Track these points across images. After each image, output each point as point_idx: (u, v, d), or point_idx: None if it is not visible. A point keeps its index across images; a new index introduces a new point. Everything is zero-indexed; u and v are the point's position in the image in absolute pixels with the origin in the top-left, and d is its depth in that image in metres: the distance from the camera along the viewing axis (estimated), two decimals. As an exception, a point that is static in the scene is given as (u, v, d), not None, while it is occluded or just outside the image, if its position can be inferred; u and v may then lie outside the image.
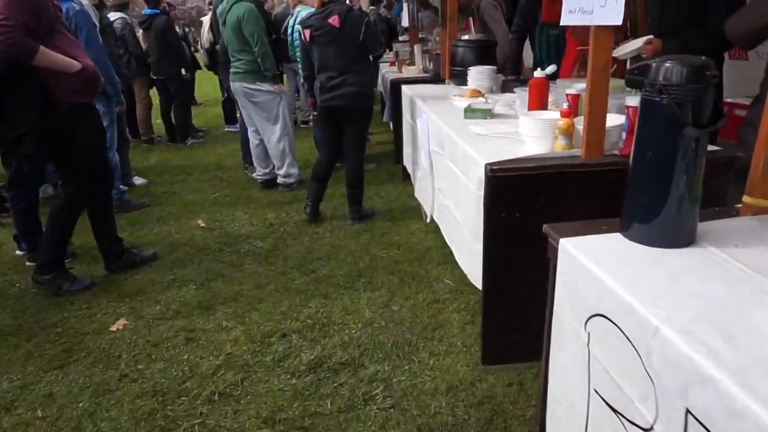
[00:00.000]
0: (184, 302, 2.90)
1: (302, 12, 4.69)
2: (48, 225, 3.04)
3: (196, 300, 2.92)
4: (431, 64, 5.19)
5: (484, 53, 3.99)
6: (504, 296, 2.15)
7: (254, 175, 4.94)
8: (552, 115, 2.28)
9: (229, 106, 6.99)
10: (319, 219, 3.99)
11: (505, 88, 3.71)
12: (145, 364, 2.37)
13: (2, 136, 2.76)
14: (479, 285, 2.21)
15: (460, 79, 3.95)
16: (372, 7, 9.85)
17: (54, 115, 2.73)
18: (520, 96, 2.87)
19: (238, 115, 5.47)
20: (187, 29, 12.94)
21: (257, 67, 4.29)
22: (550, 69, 2.75)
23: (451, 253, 2.65)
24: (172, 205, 4.51)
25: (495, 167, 1.98)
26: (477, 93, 3.45)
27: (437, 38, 6.81)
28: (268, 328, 2.59)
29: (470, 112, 2.86)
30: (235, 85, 4.47)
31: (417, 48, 5.71)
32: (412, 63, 5.73)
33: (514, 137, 2.38)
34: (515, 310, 2.12)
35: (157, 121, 7.38)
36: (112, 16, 6.36)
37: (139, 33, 6.61)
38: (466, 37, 4.06)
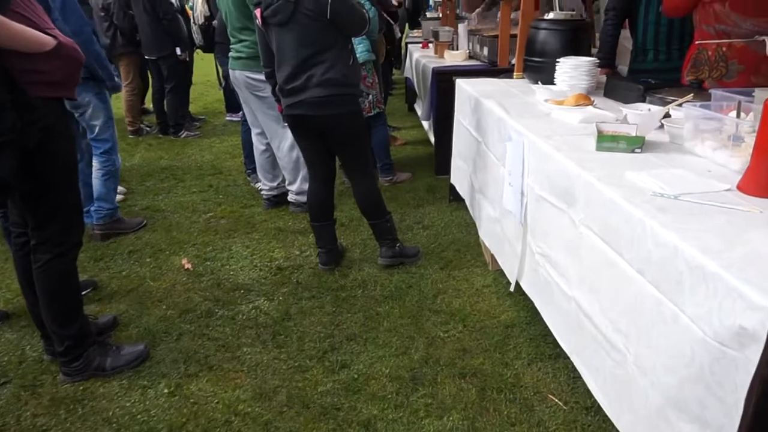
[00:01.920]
0: (146, 429, 1.86)
1: None
2: (42, 301, 2.01)
3: (166, 424, 1.87)
4: (483, 49, 4.09)
5: (575, 39, 2.87)
6: None
7: (258, 185, 3.85)
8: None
9: (231, 92, 5.85)
10: (341, 261, 2.93)
11: (609, 90, 2.63)
12: None
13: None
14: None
15: (540, 74, 2.87)
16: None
17: (30, 118, 1.75)
18: (677, 114, 1.81)
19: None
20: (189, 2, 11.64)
21: (265, 50, 3.17)
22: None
23: (545, 337, 1.59)
24: (152, 230, 3.44)
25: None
26: (584, 99, 2.36)
27: (478, 17, 5.72)
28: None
29: (607, 141, 1.76)
30: (236, 74, 3.37)
31: (462, 28, 4.58)
32: (455, 47, 4.62)
33: (727, 205, 1.30)
34: None
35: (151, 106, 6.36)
36: (93, -21, 5.25)
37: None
38: (550, 15, 2.93)
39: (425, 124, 4.72)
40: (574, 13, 2.97)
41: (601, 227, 1.48)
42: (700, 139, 1.70)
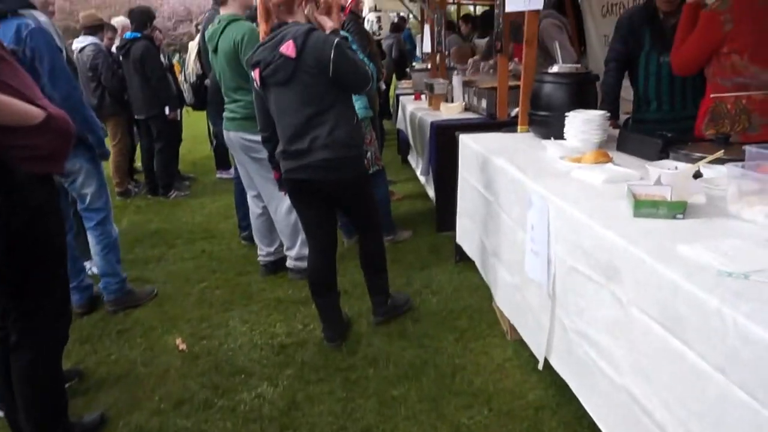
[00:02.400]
0: None
1: None
2: (22, 405, 1.79)
3: None
4: (481, 101, 4.03)
5: (582, 93, 2.79)
6: None
7: (256, 241, 3.63)
8: None
9: (222, 149, 5.74)
10: (348, 334, 2.74)
11: (624, 144, 2.51)
12: None
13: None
14: None
15: (548, 128, 2.77)
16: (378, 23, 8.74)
17: (17, 197, 1.63)
18: (709, 173, 1.68)
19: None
20: (177, 57, 11.68)
21: (260, 112, 3.05)
22: None
23: (581, 420, 1.38)
24: (143, 305, 3.21)
25: None
26: (603, 156, 2.24)
27: (471, 68, 5.72)
28: None
29: (645, 207, 1.61)
30: (231, 136, 3.24)
31: (457, 80, 4.53)
32: (450, 99, 4.56)
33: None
34: None
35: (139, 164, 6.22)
36: (82, 41, 5.21)
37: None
38: (555, 69, 2.85)
39: (422, 177, 4.60)
40: (579, 66, 2.89)
41: (660, 312, 1.30)
42: (746, 203, 1.56)
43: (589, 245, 1.63)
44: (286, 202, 3.26)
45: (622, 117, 3.42)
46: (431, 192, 4.18)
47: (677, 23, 2.88)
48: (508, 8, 3.10)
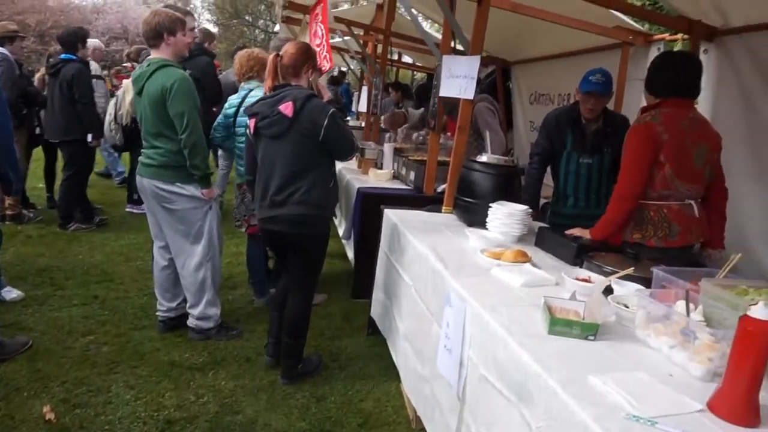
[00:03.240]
0: None
1: (256, 91, 3.41)
2: None
3: None
4: (410, 173, 4.06)
5: (507, 185, 2.87)
6: None
7: (157, 295, 3.35)
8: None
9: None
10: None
11: (542, 241, 2.58)
12: None
13: None
14: None
15: (472, 215, 2.84)
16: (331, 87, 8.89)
17: None
18: (620, 289, 1.72)
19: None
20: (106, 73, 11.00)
21: (181, 161, 2.91)
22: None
23: None
24: (13, 359, 2.82)
25: None
26: (522, 256, 2.27)
27: (403, 135, 5.82)
28: None
29: (560, 325, 1.61)
30: (144, 183, 3.02)
31: (388, 148, 4.58)
32: (379, 165, 4.58)
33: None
34: None
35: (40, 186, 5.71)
36: (-9, 52, 4.79)
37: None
38: (483, 158, 2.92)
39: (343, 240, 4.53)
40: (507, 159, 2.98)
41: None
42: (652, 330, 1.60)
43: (504, 359, 1.59)
44: (196, 257, 3.09)
45: (542, 201, 3.56)
46: (350, 254, 4.12)
47: (598, 130, 3.08)
48: (442, 93, 3.18)
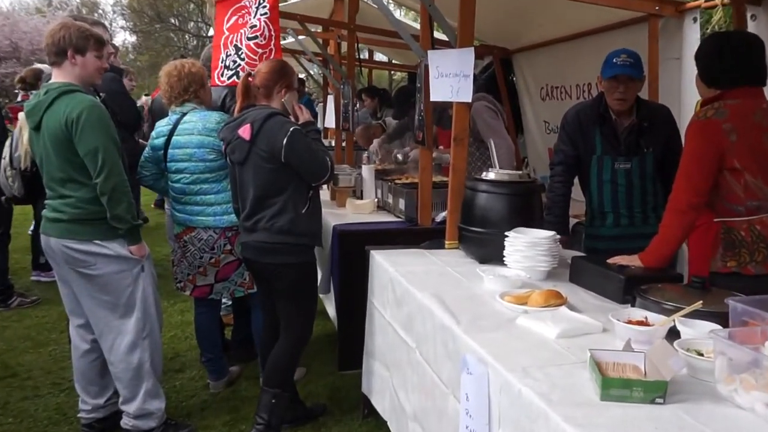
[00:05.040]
0: None
1: (191, 116, 3.41)
2: None
3: None
4: (399, 201, 4.05)
5: (526, 206, 2.88)
6: None
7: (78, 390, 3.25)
8: None
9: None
10: None
11: (578, 275, 2.57)
12: None
13: None
14: None
15: (483, 247, 2.86)
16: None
17: None
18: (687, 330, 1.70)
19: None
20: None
21: (98, 211, 2.87)
22: None
23: None
24: None
25: None
26: (554, 298, 2.25)
27: (380, 152, 5.83)
28: None
29: (616, 388, 1.56)
30: (51, 243, 2.96)
31: (368, 171, 4.57)
32: (359, 194, 4.55)
33: None
34: None
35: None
36: None
37: None
38: (491, 175, 2.92)
39: (321, 295, 4.47)
40: (521, 172, 2.98)
41: None
42: (739, 382, 1.55)
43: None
44: (127, 335, 3.05)
45: (572, 221, 3.55)
46: (332, 311, 4.09)
47: (632, 126, 3.09)
48: (433, 97, 3.19)
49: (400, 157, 5.21)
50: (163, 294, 3.47)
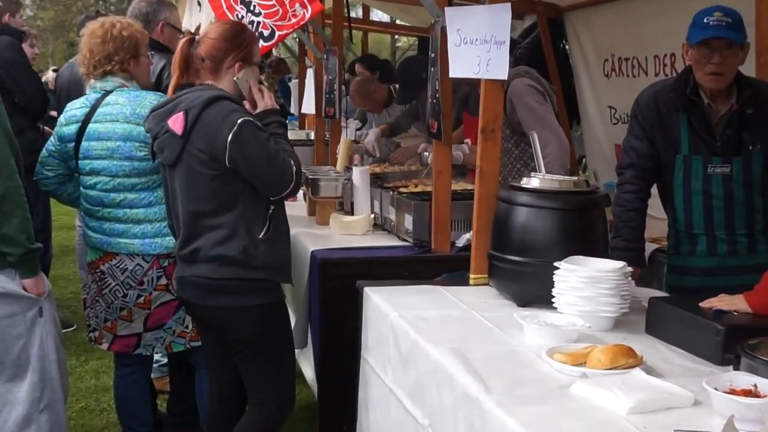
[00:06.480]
0: None
1: (116, 95, 3.48)
2: None
3: None
4: (405, 218, 4.07)
5: (584, 226, 2.93)
6: None
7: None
8: None
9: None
10: None
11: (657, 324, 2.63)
12: None
13: None
14: None
15: (521, 283, 2.93)
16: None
17: None
18: None
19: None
20: None
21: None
22: None
23: None
24: None
25: None
26: (626, 356, 2.28)
27: (377, 144, 5.90)
28: None
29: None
30: None
31: (361, 177, 4.57)
32: (348, 208, 4.60)
33: None
34: None
35: None
36: None
37: None
38: (534, 182, 2.97)
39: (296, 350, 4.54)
40: (578, 179, 3.01)
41: None
42: None
43: None
44: (17, 408, 3.15)
45: (649, 247, 3.57)
46: (310, 373, 4.18)
47: (731, 113, 3.11)
48: (453, 72, 3.23)
49: (427, 155, 5.16)
50: (70, 348, 3.49)
